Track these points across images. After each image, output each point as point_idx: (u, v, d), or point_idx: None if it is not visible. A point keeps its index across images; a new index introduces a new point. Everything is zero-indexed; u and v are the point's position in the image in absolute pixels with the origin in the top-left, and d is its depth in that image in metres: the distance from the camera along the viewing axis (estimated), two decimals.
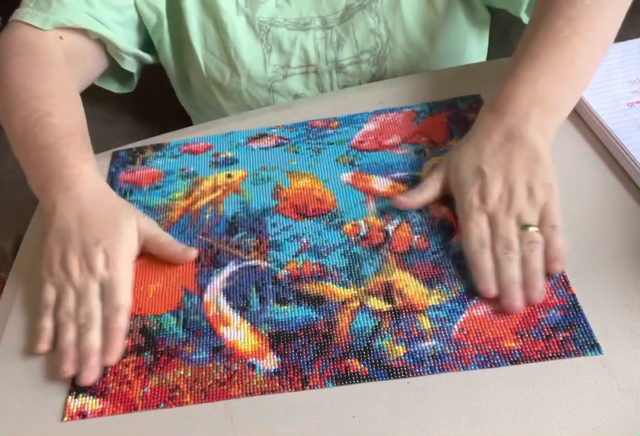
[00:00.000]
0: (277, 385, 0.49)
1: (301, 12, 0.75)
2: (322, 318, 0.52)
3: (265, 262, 0.57)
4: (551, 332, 0.48)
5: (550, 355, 0.47)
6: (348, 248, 0.57)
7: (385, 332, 0.50)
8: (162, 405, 0.49)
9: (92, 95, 0.96)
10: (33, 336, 0.54)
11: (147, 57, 0.79)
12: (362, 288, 0.54)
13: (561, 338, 0.48)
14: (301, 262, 0.56)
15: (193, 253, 0.58)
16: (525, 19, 0.73)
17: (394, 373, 0.48)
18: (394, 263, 0.55)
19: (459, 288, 0.52)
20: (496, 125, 0.56)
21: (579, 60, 0.58)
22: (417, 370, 0.48)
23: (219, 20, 0.74)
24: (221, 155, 0.68)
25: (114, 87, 0.82)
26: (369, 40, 0.77)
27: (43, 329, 0.53)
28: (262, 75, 0.78)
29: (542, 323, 0.49)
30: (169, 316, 0.54)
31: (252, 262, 0.57)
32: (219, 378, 0.50)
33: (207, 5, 0.74)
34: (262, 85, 0.79)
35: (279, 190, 0.63)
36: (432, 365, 0.48)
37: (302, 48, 0.77)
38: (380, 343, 0.50)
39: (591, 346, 0.47)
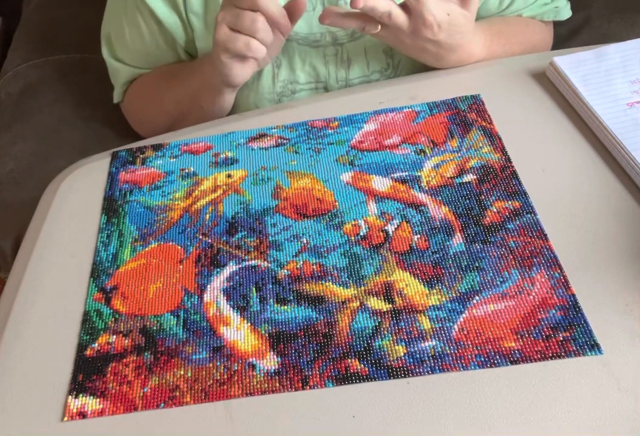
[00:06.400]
0: (277, 385, 0.49)
1: (311, 27, 0.74)
2: (322, 318, 0.52)
3: (265, 262, 0.57)
4: (551, 332, 0.48)
5: (550, 355, 0.47)
6: (348, 248, 0.57)
7: (385, 332, 0.50)
8: (162, 405, 0.49)
9: (92, 96, 0.96)
10: (32, 335, 0.54)
11: None
12: (362, 288, 0.54)
13: (561, 338, 0.48)
14: (301, 262, 0.56)
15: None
16: None
17: (394, 373, 0.48)
18: (394, 263, 0.55)
19: (459, 288, 0.52)
20: None
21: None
22: (417, 370, 0.48)
23: None
24: (221, 155, 0.68)
25: None
26: (380, 61, 0.77)
27: None
28: (271, 90, 0.78)
29: (542, 323, 0.49)
30: (169, 316, 0.54)
31: (252, 262, 0.57)
32: (219, 378, 0.50)
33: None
34: (270, 99, 0.79)
35: (279, 190, 0.63)
36: (432, 365, 0.48)
37: (311, 65, 0.76)
38: (380, 343, 0.50)
39: (591, 346, 0.47)
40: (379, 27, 0.66)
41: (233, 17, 0.63)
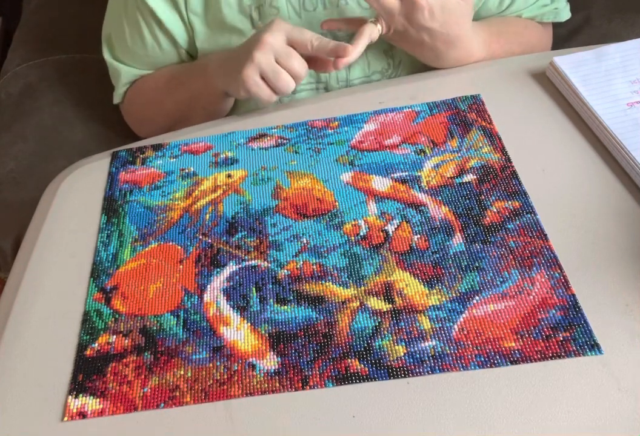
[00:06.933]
0: (277, 385, 0.49)
1: (312, 27, 0.73)
2: (322, 318, 0.52)
3: (265, 262, 0.57)
4: (551, 332, 0.48)
5: (550, 355, 0.47)
6: (348, 248, 0.57)
7: (385, 332, 0.50)
8: (162, 405, 0.49)
9: (92, 96, 0.96)
10: (32, 335, 0.54)
11: None
12: (362, 288, 0.54)
13: (561, 338, 0.48)
14: (301, 262, 0.56)
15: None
16: None
17: (394, 373, 0.48)
18: (394, 263, 0.55)
19: (459, 288, 0.52)
20: None
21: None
22: (417, 370, 0.48)
23: (232, 36, 0.74)
24: (221, 155, 0.68)
25: None
26: (381, 61, 0.77)
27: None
28: None
29: (542, 323, 0.49)
30: (169, 316, 0.54)
31: (252, 262, 0.57)
32: (219, 378, 0.50)
33: (220, 22, 0.74)
34: None
35: (279, 190, 0.63)
36: (432, 365, 0.48)
37: None
38: (380, 343, 0.50)
39: (591, 346, 0.47)
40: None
41: (272, 72, 0.65)
